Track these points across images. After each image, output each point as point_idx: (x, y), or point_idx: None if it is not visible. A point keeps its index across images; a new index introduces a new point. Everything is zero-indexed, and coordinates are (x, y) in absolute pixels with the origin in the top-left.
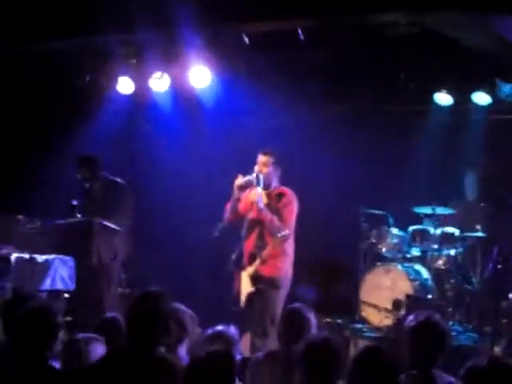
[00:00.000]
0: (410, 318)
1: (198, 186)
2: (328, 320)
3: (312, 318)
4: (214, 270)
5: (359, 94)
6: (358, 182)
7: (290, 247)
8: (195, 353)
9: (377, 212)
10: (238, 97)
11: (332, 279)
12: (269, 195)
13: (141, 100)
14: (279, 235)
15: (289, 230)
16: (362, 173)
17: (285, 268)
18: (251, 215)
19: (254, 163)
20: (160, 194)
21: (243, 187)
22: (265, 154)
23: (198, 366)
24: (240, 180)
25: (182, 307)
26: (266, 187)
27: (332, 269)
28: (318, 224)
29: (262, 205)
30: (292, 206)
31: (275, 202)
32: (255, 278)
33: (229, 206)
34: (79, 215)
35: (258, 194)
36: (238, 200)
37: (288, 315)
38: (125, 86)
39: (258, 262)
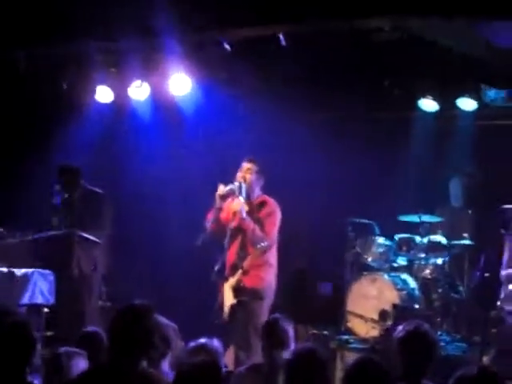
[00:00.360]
0: (399, 328)
1: (179, 196)
2: (314, 331)
3: (290, 329)
4: (197, 281)
5: (344, 102)
6: (344, 191)
7: (273, 257)
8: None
9: (363, 221)
10: (220, 105)
11: (317, 290)
12: (251, 204)
13: (120, 109)
14: (258, 246)
15: (270, 241)
16: (347, 181)
17: (268, 278)
18: (233, 225)
19: (236, 172)
20: (140, 204)
21: (225, 196)
22: (249, 161)
23: (186, 377)
24: (222, 189)
25: (165, 320)
26: (249, 196)
27: (317, 279)
28: (302, 234)
29: (244, 214)
30: (274, 216)
31: (257, 211)
32: (237, 290)
33: (210, 216)
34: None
35: (240, 204)
36: (220, 209)
37: (267, 326)
38: (104, 94)
39: (239, 272)
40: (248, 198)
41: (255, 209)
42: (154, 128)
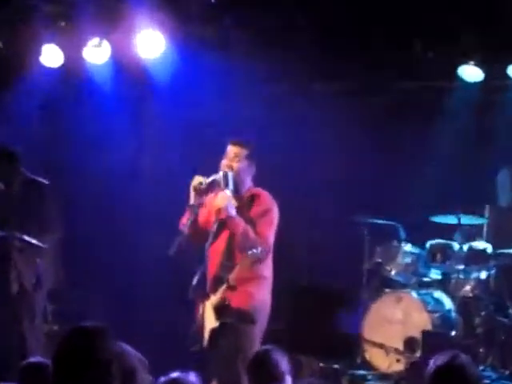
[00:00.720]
0: (431, 361)
1: (148, 188)
2: (321, 364)
3: (284, 361)
4: (170, 298)
5: (361, 68)
6: (359, 183)
7: (267, 268)
8: None
9: (384, 222)
10: (201, 71)
11: (326, 311)
12: (240, 199)
13: (72, 75)
14: (249, 253)
15: (266, 246)
16: (364, 170)
17: (260, 296)
18: (217, 226)
19: (221, 157)
20: (98, 199)
21: (204, 190)
22: (236, 144)
23: None
24: (198, 181)
25: (129, 348)
26: (237, 189)
27: (325, 297)
28: (305, 238)
29: (233, 212)
30: (270, 215)
31: (247, 208)
32: (221, 310)
33: (186, 218)
34: None
35: (226, 198)
36: (200, 207)
37: (255, 359)
38: (51, 56)
39: (224, 287)
40: (236, 192)
41: (245, 205)
42: (115, 100)
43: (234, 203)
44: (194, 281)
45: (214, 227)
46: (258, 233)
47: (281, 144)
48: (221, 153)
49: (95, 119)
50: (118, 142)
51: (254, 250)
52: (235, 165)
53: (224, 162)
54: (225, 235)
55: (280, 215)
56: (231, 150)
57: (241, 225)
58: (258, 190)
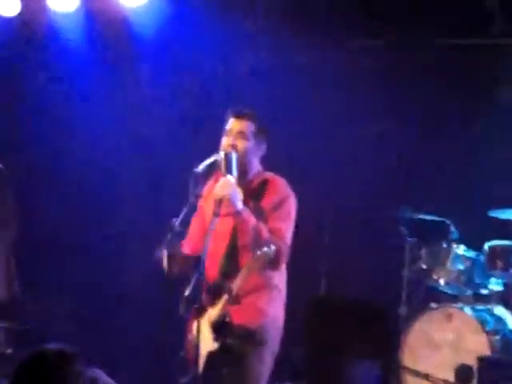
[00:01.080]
0: None
1: (131, 176)
2: None
3: None
4: (155, 314)
5: (405, 22)
6: (399, 168)
7: (279, 276)
8: None
9: (430, 218)
10: (197, 23)
11: (355, 330)
12: (246, 187)
13: (32, 26)
14: (258, 253)
15: (282, 246)
16: (404, 152)
17: (271, 311)
18: (217, 221)
19: (221, 134)
20: (68, 189)
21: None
22: (240, 117)
23: None
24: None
25: (104, 377)
26: (243, 174)
27: (355, 314)
28: (326, 238)
29: (239, 204)
30: (287, 206)
31: (257, 198)
32: (221, 327)
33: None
34: None
35: (230, 186)
36: (197, 197)
37: None
38: (6, 3)
39: (225, 299)
40: (242, 178)
41: (254, 194)
42: (87, 58)
43: (240, 193)
44: (187, 291)
45: (213, 225)
46: (271, 229)
47: (301, 116)
48: (220, 126)
49: (62, 83)
50: (91, 113)
51: (265, 249)
52: (240, 144)
53: (225, 141)
54: (226, 232)
55: (298, 207)
56: (234, 124)
57: (251, 220)
58: (271, 175)
